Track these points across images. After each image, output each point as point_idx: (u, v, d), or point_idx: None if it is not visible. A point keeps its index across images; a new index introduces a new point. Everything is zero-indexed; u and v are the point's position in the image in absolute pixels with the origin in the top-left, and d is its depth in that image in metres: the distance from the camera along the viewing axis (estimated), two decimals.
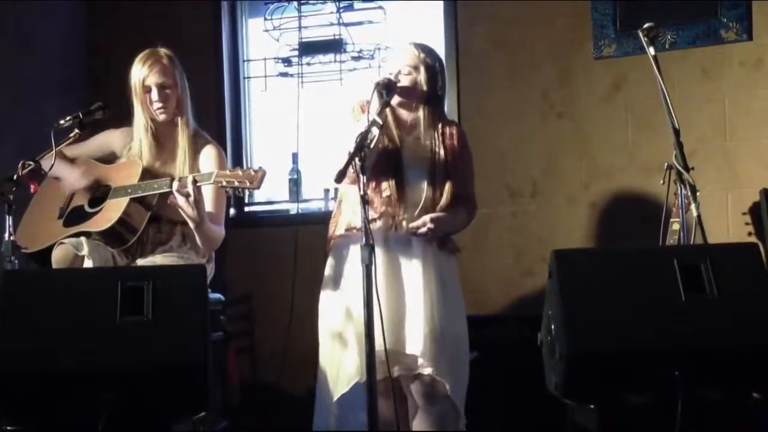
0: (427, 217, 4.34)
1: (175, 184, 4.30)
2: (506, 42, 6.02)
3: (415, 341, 4.28)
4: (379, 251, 4.14)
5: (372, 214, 4.38)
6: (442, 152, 4.45)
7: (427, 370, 4.29)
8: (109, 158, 4.83)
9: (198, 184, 4.30)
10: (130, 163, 4.68)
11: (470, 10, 6.08)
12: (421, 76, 4.44)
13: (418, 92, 4.46)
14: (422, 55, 4.47)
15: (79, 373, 3.42)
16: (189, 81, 4.71)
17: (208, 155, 4.69)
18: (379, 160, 4.39)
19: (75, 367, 3.41)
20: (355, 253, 4.27)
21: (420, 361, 4.28)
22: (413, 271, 4.36)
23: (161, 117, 4.65)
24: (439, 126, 4.51)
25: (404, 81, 4.43)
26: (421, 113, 4.49)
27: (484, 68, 6.06)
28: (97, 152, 4.85)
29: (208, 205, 4.51)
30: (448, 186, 4.42)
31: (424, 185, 4.41)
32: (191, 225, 4.38)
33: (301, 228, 6.19)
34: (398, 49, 4.62)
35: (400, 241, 4.40)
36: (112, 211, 4.52)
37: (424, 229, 4.31)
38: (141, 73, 4.62)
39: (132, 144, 4.73)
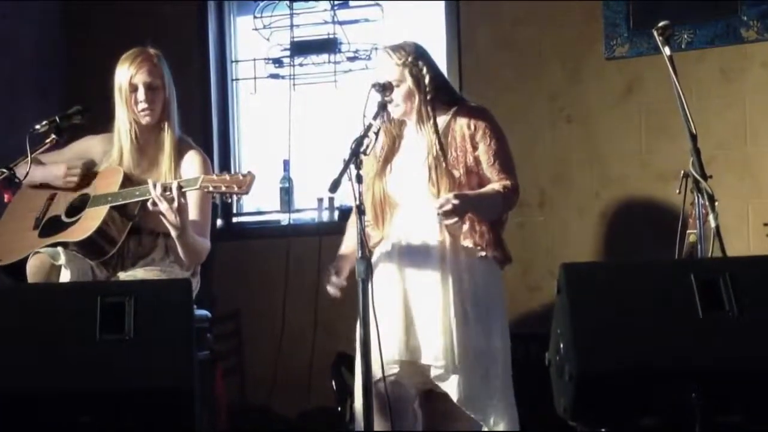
0: (450, 194, 4.27)
1: (158, 188, 4.27)
2: (512, 41, 6.03)
3: (431, 352, 4.28)
4: (391, 259, 4.34)
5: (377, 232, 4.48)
6: (444, 145, 4.43)
7: (442, 386, 4.31)
8: (89, 166, 4.79)
9: (183, 190, 4.28)
10: (110, 170, 4.65)
11: (474, 7, 6.10)
12: (410, 83, 4.42)
13: (412, 100, 4.45)
14: (401, 60, 4.44)
15: (55, 396, 3.41)
16: (173, 83, 4.70)
17: (192, 161, 4.67)
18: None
19: (51, 389, 3.41)
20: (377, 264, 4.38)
21: (436, 372, 4.29)
22: (429, 278, 4.35)
23: (146, 119, 4.61)
24: (445, 118, 4.49)
25: (395, 97, 4.43)
26: (415, 114, 4.48)
27: (488, 69, 6.07)
28: (76, 161, 4.79)
29: (193, 213, 4.49)
30: (447, 181, 4.37)
31: (422, 184, 4.41)
32: (173, 233, 4.36)
33: (293, 240, 6.20)
34: (377, 63, 4.59)
35: (413, 248, 4.41)
36: (91, 220, 4.49)
37: (448, 206, 4.19)
38: (128, 71, 4.59)
39: (113, 151, 4.69)
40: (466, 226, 4.39)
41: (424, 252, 4.38)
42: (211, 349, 5.15)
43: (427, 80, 4.45)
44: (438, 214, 4.23)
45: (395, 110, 4.45)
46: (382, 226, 4.50)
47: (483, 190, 4.42)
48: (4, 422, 3.42)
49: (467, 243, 4.40)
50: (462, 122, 4.47)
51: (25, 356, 3.44)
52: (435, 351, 4.26)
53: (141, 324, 3.50)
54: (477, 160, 4.44)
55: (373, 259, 4.37)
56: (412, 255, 4.39)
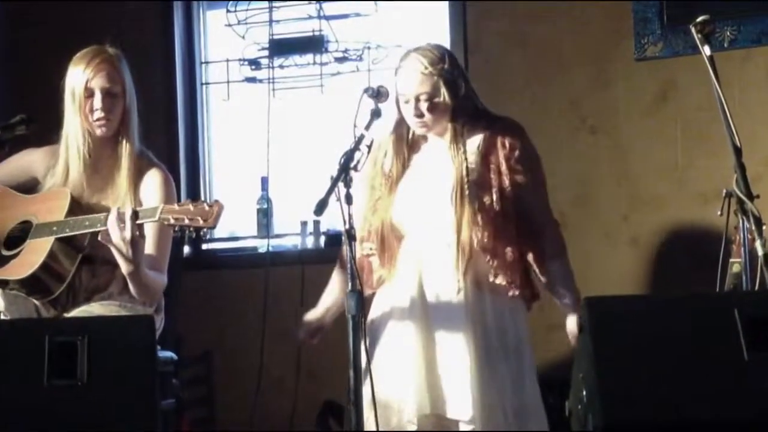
0: (573, 323, 4.39)
1: (111, 218, 4.22)
2: (527, 39, 6.05)
3: (459, 406, 4.28)
4: (404, 303, 4.34)
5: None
6: (478, 166, 4.45)
7: None
8: (30, 185, 4.75)
9: (139, 221, 4.23)
10: (55, 192, 4.60)
11: (482, 0, 6.12)
12: (444, 96, 4.41)
13: (447, 116, 4.44)
14: (435, 69, 4.41)
15: None
16: (134, 89, 4.69)
17: (152, 183, 4.63)
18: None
19: None
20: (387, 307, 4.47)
21: (464, 428, 4.29)
22: (455, 322, 4.36)
23: (101, 130, 4.56)
24: (479, 136, 4.49)
25: (428, 115, 4.40)
26: (449, 133, 4.47)
27: (498, 72, 6.09)
28: (14, 178, 4.76)
29: (150, 245, 4.45)
30: (470, 210, 4.37)
31: (439, 213, 4.40)
32: (124, 269, 4.30)
33: (272, 270, 6.20)
34: (403, 68, 4.48)
35: (431, 290, 4.40)
36: (33, 254, 4.44)
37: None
38: (84, 74, 4.55)
39: (57, 167, 4.66)
40: (496, 261, 4.42)
41: (443, 294, 4.38)
42: (177, 397, 5.15)
43: (462, 92, 4.47)
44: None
45: (426, 128, 4.44)
46: (389, 264, 4.51)
47: (563, 272, 4.61)
48: None
49: (499, 281, 4.43)
50: (499, 142, 4.47)
51: None
52: (463, 404, 4.28)
53: (96, 367, 3.51)
54: (514, 183, 4.44)
55: (381, 301, 4.49)
56: (430, 298, 4.40)
